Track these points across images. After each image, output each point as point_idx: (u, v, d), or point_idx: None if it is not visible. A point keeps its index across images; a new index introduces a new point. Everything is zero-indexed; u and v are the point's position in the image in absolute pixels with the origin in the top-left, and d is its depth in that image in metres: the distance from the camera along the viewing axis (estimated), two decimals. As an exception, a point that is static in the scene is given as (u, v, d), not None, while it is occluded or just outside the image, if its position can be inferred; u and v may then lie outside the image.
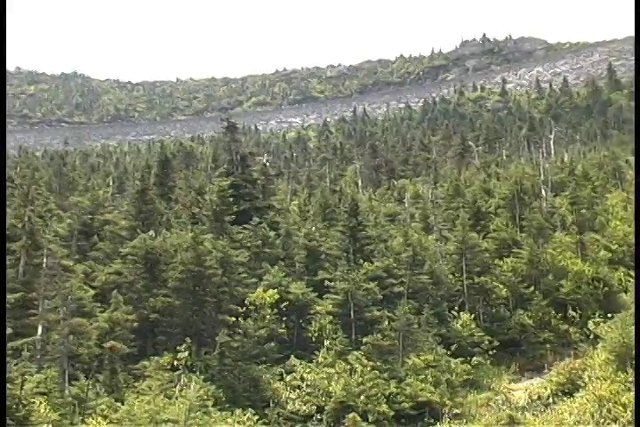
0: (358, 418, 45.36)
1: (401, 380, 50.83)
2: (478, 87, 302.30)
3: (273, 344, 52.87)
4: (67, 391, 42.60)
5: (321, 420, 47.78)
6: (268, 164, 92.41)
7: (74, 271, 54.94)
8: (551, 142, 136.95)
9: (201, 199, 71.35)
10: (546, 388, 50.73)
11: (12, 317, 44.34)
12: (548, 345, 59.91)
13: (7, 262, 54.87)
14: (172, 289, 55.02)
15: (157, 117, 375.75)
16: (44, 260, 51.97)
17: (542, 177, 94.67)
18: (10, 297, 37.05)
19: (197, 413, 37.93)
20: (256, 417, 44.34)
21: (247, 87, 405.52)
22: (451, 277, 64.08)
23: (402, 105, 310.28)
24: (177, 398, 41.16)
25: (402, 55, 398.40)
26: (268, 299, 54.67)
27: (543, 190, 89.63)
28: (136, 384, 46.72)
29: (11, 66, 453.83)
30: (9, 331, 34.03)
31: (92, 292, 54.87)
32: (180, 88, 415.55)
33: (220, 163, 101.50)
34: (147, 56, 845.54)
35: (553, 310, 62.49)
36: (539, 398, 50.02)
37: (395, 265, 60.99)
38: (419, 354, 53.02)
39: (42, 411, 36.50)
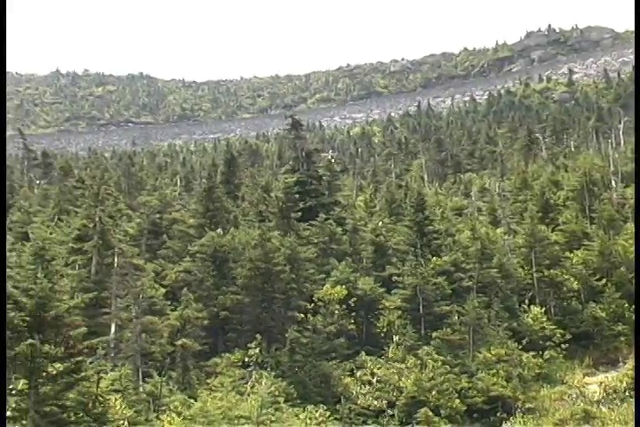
0: (430, 413, 45.20)
1: (472, 374, 50.61)
2: (544, 78, 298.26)
3: (342, 340, 52.93)
4: (141, 389, 43.18)
5: (393, 415, 47.73)
6: (333, 160, 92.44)
7: (144, 270, 55.60)
8: (620, 132, 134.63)
9: (267, 196, 71.63)
10: (621, 381, 49.96)
11: (86, 316, 45.00)
12: (622, 338, 58.92)
13: (80, 262, 55.96)
14: (241, 286, 55.45)
15: (222, 116, 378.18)
16: (115, 259, 52.76)
17: (612, 168, 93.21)
18: (84, 296, 37.56)
19: (269, 409, 38.20)
20: (327, 413, 44.46)
21: (311, 84, 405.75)
22: (520, 270, 63.48)
23: (466, 98, 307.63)
24: (249, 395, 41.51)
25: (465, 48, 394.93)
26: (336, 295, 54.73)
27: (613, 181, 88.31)
28: (208, 381, 47.21)
29: (79, 68, 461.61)
30: (84, 330, 34.55)
31: (162, 290, 55.51)
32: (244, 86, 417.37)
33: (285, 160, 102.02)
34: (211, 55, 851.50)
35: (626, 302, 61.41)
36: (614, 391, 49.29)
37: (463, 259, 60.62)
38: (489, 348, 52.70)
39: (117, 408, 37.07)
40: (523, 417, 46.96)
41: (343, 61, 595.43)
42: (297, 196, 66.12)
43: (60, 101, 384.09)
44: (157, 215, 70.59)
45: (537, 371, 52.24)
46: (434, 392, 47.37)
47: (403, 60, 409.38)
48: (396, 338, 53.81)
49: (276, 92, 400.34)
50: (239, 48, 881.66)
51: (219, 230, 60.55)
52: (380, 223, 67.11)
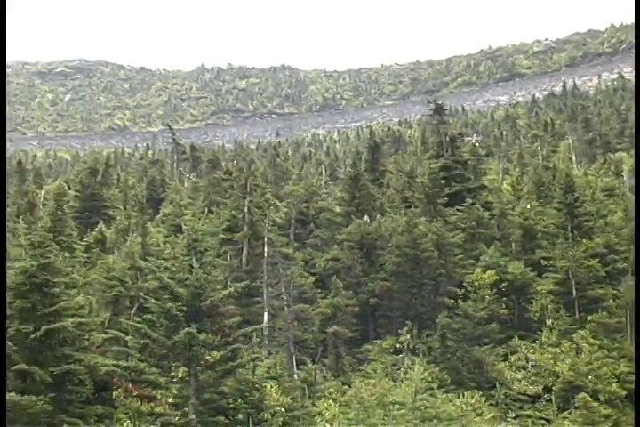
0: (589, 398, 44.21)
1: (631, 358, 49.20)
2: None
3: (494, 325, 52.37)
4: (295, 376, 43.89)
5: (549, 400, 46.93)
6: (477, 144, 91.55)
7: (293, 259, 56.41)
8: None
9: (412, 183, 71.46)
10: None
11: (239, 305, 46.06)
12: None
13: (230, 253, 57.19)
14: (390, 273, 55.57)
15: (364, 104, 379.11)
16: (265, 249, 53.70)
17: None
18: (236, 286, 38.39)
19: (424, 395, 38.12)
20: (483, 399, 44.11)
21: (452, 68, 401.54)
22: (678, 250, 61.26)
23: (614, 76, 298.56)
24: (402, 381, 41.54)
25: (612, 24, 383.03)
26: (486, 280, 54.18)
27: None
28: (361, 368, 47.55)
29: (223, 63, 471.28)
30: (238, 318, 35.31)
31: (312, 278, 56.19)
32: (385, 73, 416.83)
33: (429, 145, 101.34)
34: (351, 44, 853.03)
35: None
36: None
37: (616, 241, 58.93)
38: (648, 331, 51.14)
39: (274, 395, 37.73)
40: (688, 403, 45.35)
41: (484, 44, 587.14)
42: (442, 181, 65.72)
43: (205, 96, 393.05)
44: (304, 204, 71.44)
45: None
46: (591, 377, 46.30)
47: (546, 39, 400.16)
48: (549, 322, 52.89)
49: (417, 78, 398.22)
50: (379, 36, 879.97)
51: (365, 218, 60.84)
52: (528, 206, 66.00)
